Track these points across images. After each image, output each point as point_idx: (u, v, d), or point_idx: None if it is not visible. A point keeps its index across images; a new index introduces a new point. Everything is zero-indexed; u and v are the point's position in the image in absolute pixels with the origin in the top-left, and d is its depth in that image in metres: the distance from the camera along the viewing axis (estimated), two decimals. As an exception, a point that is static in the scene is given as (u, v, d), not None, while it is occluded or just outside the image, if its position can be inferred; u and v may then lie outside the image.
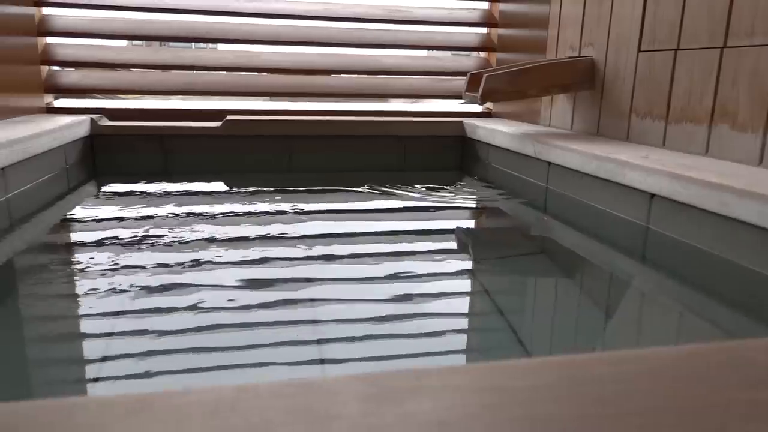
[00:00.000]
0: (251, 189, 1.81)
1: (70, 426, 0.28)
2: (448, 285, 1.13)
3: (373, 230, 1.51)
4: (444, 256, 1.29)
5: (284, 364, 0.78)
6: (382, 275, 1.13)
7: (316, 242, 1.29)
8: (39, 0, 2.07)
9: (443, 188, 1.91)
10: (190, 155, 2.03)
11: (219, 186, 1.91)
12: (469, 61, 2.58)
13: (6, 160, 1.28)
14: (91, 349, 0.79)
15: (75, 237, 1.33)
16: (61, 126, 1.67)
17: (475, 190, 1.95)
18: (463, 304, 1.07)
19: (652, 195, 1.21)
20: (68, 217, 1.45)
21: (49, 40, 2.17)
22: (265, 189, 1.81)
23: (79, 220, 1.43)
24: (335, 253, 1.23)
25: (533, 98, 2.02)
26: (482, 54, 2.60)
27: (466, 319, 0.99)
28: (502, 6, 2.41)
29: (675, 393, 0.33)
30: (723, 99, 1.32)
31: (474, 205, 1.79)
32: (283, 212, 1.52)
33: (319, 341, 0.84)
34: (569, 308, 1.03)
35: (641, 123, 1.58)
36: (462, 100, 2.64)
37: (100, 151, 1.97)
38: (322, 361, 0.78)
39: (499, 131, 1.92)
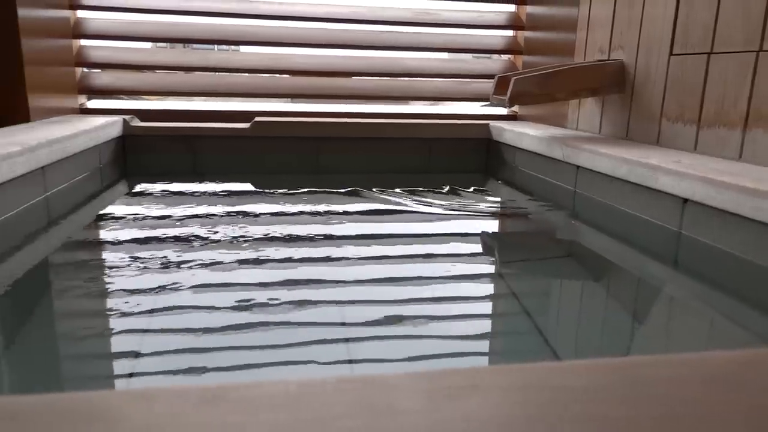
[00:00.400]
0: (279, 190, 1.83)
1: (149, 414, 0.29)
2: (475, 287, 1.14)
3: (399, 232, 1.52)
4: (470, 258, 1.30)
5: (314, 362, 0.79)
6: (409, 276, 1.14)
7: (343, 243, 1.30)
8: (74, 3, 2.12)
9: (469, 191, 1.91)
10: (219, 156, 2.06)
11: (247, 186, 1.93)
12: (495, 63, 2.57)
13: (46, 159, 1.32)
14: (126, 344, 0.81)
15: (109, 234, 1.36)
16: (96, 126, 1.71)
17: (501, 193, 1.95)
18: (490, 307, 1.07)
19: (685, 200, 1.20)
20: (102, 214, 1.48)
21: (83, 42, 2.22)
22: (293, 190, 1.83)
23: (113, 218, 1.46)
24: (362, 255, 1.24)
25: (561, 101, 2.01)
26: (508, 57, 2.60)
27: (494, 322, 0.99)
28: (529, 9, 2.41)
29: (729, 398, 0.34)
30: (758, 103, 1.30)
31: (501, 209, 1.79)
32: (310, 213, 1.54)
33: (347, 340, 0.85)
34: (599, 312, 1.03)
35: (672, 127, 1.56)
36: (483, 103, 2.65)
37: (131, 151, 2.01)
38: (350, 362, 0.79)
39: (526, 134, 1.91)
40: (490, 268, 1.25)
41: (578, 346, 0.89)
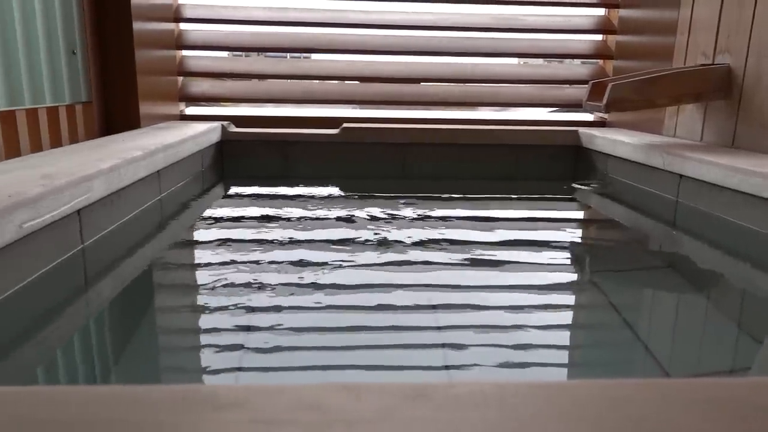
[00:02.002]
0: (366, 194, 1.87)
1: (359, 406, 0.31)
2: (570, 296, 1.12)
3: (490, 239, 1.51)
4: (565, 267, 1.27)
5: (411, 367, 0.80)
6: (502, 284, 1.13)
7: (433, 247, 1.31)
8: (177, 16, 2.25)
9: (559, 198, 1.87)
10: (308, 160, 2.13)
11: (335, 190, 1.99)
12: (583, 69, 2.51)
13: (162, 162, 1.41)
14: (227, 340, 0.85)
15: (211, 234, 1.43)
16: (200, 132, 1.81)
17: (593, 201, 1.90)
18: (585, 316, 1.05)
19: (810, 212, 1.13)
20: (205, 216, 1.57)
21: (184, 52, 2.36)
22: (380, 194, 1.86)
23: (214, 219, 1.55)
24: (452, 261, 1.24)
25: (656, 107, 1.94)
26: (596, 61, 2.53)
27: (587, 331, 0.97)
28: (622, 12, 2.34)
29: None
30: None
31: (595, 217, 1.74)
32: (398, 217, 1.56)
33: (443, 345, 0.85)
34: (703, 326, 0.98)
35: (787, 134, 1.47)
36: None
37: (227, 156, 2.11)
38: (447, 367, 0.79)
39: (620, 141, 1.85)
40: (585, 277, 1.22)
41: (684, 360, 0.85)
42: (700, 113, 1.81)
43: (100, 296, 0.96)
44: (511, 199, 1.80)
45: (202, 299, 1.02)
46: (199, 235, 1.43)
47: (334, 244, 1.31)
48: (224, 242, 1.30)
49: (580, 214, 1.69)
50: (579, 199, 1.93)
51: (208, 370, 0.78)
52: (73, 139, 1.63)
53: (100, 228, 1.11)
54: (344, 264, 1.16)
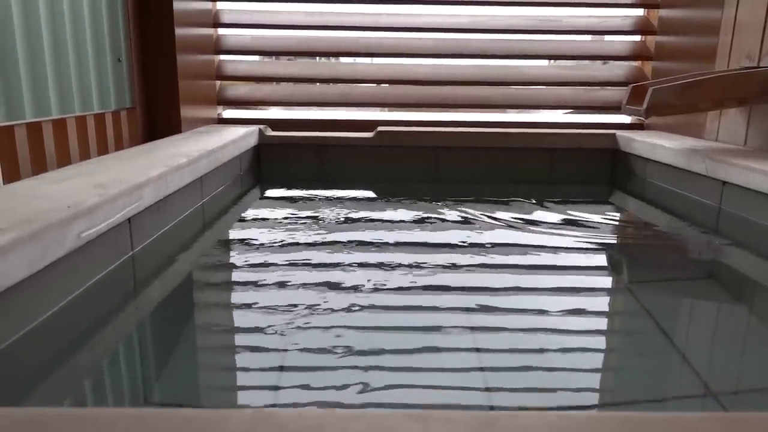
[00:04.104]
0: (401, 198, 1.88)
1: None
2: (608, 307, 1.11)
3: (525, 243, 1.50)
4: (600, 276, 1.26)
5: (450, 388, 0.78)
6: (541, 290, 1.12)
7: (470, 252, 1.31)
8: (216, 22, 2.30)
9: (597, 203, 1.85)
10: (342, 163, 2.15)
11: (369, 194, 2.00)
12: (621, 70, 2.47)
13: (205, 168, 1.45)
14: (267, 345, 0.87)
15: (249, 235, 1.46)
16: (240, 136, 1.85)
17: (632, 207, 1.87)
18: (624, 330, 1.03)
19: None
20: (245, 217, 1.61)
21: (222, 57, 2.40)
22: (413, 199, 1.87)
23: (253, 220, 1.58)
24: (491, 262, 1.24)
25: (698, 112, 1.90)
26: (635, 63, 2.48)
27: (626, 348, 0.95)
28: (662, 12, 2.29)
29: None
30: None
31: (632, 223, 1.72)
32: (433, 220, 1.57)
33: (482, 369, 0.82)
34: (746, 339, 0.96)
35: (838, 141, 1.43)
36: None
37: (264, 160, 2.14)
38: (487, 389, 0.77)
39: (660, 146, 1.82)
40: (625, 288, 1.21)
41: (725, 374, 0.84)
42: (744, 116, 1.76)
43: (149, 300, 1.00)
44: (546, 203, 1.78)
45: (244, 298, 1.05)
46: (240, 236, 1.46)
47: (366, 246, 1.33)
48: (262, 245, 1.33)
49: (615, 220, 1.67)
50: (616, 203, 1.90)
51: (244, 387, 0.81)
52: (119, 145, 1.68)
53: (148, 234, 1.14)
54: (374, 264, 1.18)
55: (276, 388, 0.77)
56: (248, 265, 1.24)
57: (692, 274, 1.32)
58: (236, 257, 1.31)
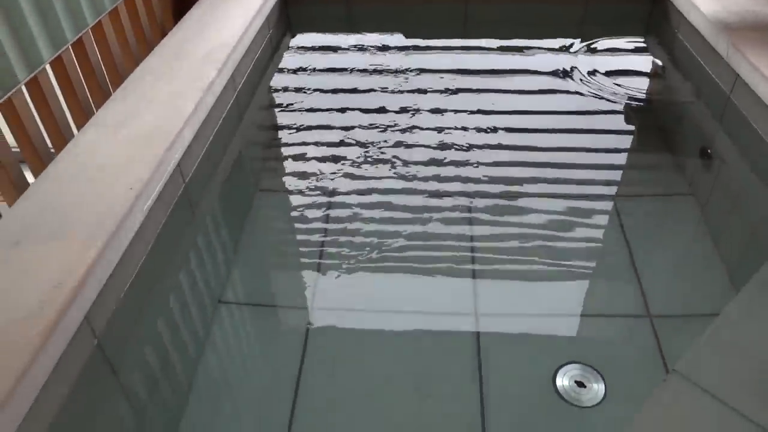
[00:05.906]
0: (430, 42, 1.98)
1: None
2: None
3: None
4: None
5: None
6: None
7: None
8: None
9: (631, 51, 1.87)
10: (370, 6, 2.12)
11: (399, 38, 2.03)
12: None
13: (238, 57, 1.62)
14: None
15: (285, 92, 1.74)
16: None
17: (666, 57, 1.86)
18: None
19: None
20: (282, 68, 1.88)
21: None
22: (443, 41, 1.99)
23: (289, 72, 1.85)
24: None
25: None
26: None
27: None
28: None
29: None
30: None
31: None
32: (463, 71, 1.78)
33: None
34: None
35: None
36: None
37: (291, 5, 2.13)
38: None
39: (697, 7, 1.71)
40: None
41: None
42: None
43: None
44: (582, 50, 1.87)
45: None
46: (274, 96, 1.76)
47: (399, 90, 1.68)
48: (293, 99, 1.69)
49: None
50: (652, 50, 1.89)
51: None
52: (152, 21, 1.75)
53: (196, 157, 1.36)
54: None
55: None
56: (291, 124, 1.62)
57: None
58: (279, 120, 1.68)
